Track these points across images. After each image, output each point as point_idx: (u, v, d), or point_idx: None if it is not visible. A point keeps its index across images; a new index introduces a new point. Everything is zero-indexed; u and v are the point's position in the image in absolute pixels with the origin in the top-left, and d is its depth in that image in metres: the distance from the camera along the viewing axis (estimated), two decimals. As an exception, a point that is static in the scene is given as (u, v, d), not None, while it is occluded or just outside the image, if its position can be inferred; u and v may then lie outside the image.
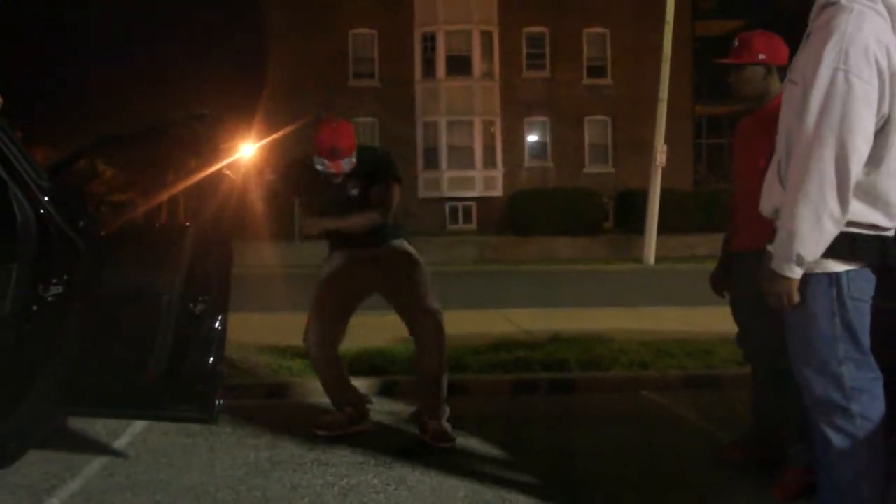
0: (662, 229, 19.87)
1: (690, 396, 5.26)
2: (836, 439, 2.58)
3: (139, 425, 4.42)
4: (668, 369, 5.68)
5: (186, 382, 3.61)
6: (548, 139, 26.86)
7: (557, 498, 3.48)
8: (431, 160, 25.68)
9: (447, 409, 4.30)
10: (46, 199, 3.51)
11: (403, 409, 4.75)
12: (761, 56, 3.56)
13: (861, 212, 2.49)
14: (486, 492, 3.50)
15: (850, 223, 2.48)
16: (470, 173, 25.66)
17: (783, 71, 3.41)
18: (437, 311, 4.27)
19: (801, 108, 2.48)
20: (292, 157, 4.61)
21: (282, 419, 4.63)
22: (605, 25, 26.49)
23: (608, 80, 26.75)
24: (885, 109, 2.46)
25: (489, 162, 25.85)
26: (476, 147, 25.67)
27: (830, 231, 2.46)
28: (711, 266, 4.01)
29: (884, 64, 2.43)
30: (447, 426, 4.23)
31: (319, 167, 4.18)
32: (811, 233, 2.45)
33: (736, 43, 3.63)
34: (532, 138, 27.01)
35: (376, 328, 5.60)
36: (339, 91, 24.46)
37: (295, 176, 4.46)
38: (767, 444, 3.74)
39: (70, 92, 25.77)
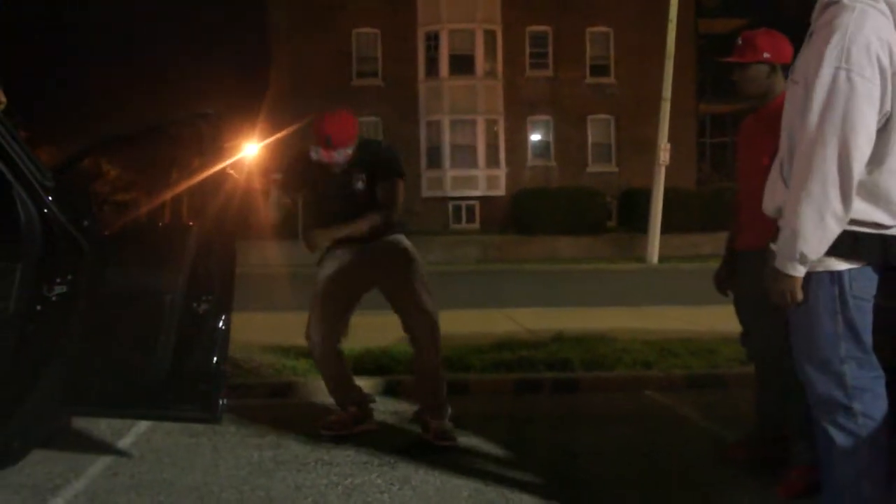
0: (666, 228, 19.87)
1: (694, 396, 5.26)
2: (839, 438, 2.57)
3: (143, 425, 4.43)
4: (671, 369, 5.67)
5: (190, 382, 3.60)
6: (551, 138, 26.85)
7: (561, 497, 3.48)
8: (435, 159, 25.69)
9: (449, 408, 4.30)
10: (50, 198, 3.51)
11: (407, 408, 4.75)
12: (765, 54, 3.56)
13: (863, 210, 2.49)
14: (489, 491, 3.50)
15: (853, 221, 2.48)
16: (473, 172, 25.67)
17: (787, 69, 3.40)
18: (433, 311, 4.24)
19: (804, 107, 2.48)
20: (296, 151, 4.59)
21: (285, 419, 4.63)
22: (609, 24, 26.47)
23: (611, 79, 26.74)
24: (888, 107, 2.45)
25: (492, 161, 25.85)
26: (479, 146, 25.67)
27: (833, 229, 2.45)
28: (715, 265, 3.99)
29: (886, 62, 2.42)
30: (449, 425, 4.24)
31: (313, 155, 4.17)
32: (814, 231, 2.45)
33: (740, 41, 3.62)
34: (535, 137, 27.00)
35: (379, 328, 5.59)
36: (342, 90, 24.41)
37: (300, 169, 4.42)
38: (771, 442, 3.74)
39: (70, 92, 25.81)
